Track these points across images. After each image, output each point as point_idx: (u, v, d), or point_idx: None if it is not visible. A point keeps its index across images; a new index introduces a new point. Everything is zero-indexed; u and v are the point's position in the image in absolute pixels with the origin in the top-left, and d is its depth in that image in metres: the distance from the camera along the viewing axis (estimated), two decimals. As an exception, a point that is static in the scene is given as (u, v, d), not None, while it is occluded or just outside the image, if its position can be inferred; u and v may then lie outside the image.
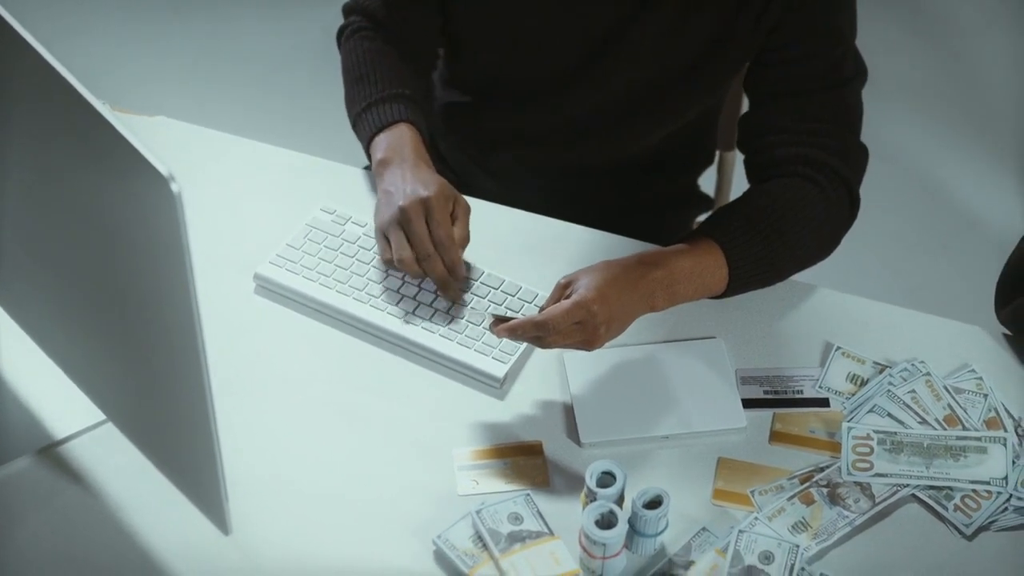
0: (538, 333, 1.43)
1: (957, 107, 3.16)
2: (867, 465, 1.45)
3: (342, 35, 1.79)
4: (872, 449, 1.46)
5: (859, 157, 1.65)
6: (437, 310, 1.57)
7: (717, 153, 2.03)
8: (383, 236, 1.56)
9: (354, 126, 1.70)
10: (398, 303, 1.58)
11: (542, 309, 1.47)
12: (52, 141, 1.13)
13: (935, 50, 3.28)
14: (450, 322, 1.56)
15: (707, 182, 2.03)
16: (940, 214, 2.95)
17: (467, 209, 1.58)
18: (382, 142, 1.63)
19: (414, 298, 1.58)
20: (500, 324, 1.45)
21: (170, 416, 1.24)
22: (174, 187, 1.01)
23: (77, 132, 1.08)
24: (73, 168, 1.12)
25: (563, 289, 1.47)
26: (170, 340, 1.13)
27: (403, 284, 1.59)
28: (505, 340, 1.53)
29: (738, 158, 1.88)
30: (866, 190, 1.67)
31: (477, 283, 1.60)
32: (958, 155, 3.05)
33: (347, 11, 1.80)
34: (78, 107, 1.06)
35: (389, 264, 1.55)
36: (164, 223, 1.03)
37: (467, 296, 1.59)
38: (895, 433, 1.47)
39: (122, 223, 1.09)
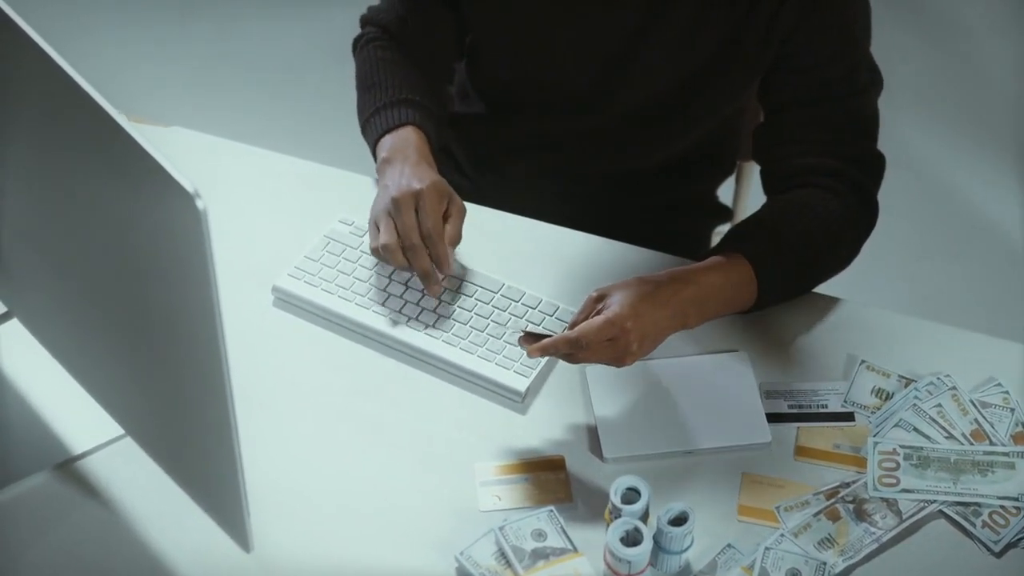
0: (570, 350, 1.42)
1: (967, 112, 3.14)
2: (893, 481, 1.43)
3: (357, 45, 1.79)
4: (898, 464, 1.44)
5: (877, 165, 1.64)
6: (457, 323, 1.56)
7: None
8: (374, 225, 1.57)
9: (363, 131, 1.71)
10: (418, 315, 1.56)
11: (572, 323, 1.46)
12: (75, 156, 1.12)
13: (944, 55, 3.26)
14: (471, 335, 1.55)
15: (725, 192, 2.02)
16: (952, 221, 2.93)
17: (462, 210, 1.58)
18: (387, 143, 1.64)
19: (434, 310, 1.57)
20: (530, 341, 1.44)
21: (192, 431, 1.23)
22: (199, 204, 1.00)
23: (101, 147, 1.07)
24: (96, 183, 1.11)
25: (594, 303, 1.46)
26: (193, 355, 1.12)
27: (423, 296, 1.58)
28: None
29: (757, 168, 1.86)
30: (879, 197, 1.65)
31: (497, 295, 1.58)
32: (969, 161, 3.04)
33: (363, 22, 1.80)
34: (101, 121, 1.04)
35: (375, 253, 1.55)
36: (189, 239, 1.02)
37: (487, 309, 1.57)
38: (921, 448, 1.46)
39: (146, 238, 1.08)
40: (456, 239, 1.56)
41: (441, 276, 1.55)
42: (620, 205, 1.87)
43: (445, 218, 1.56)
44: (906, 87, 3.09)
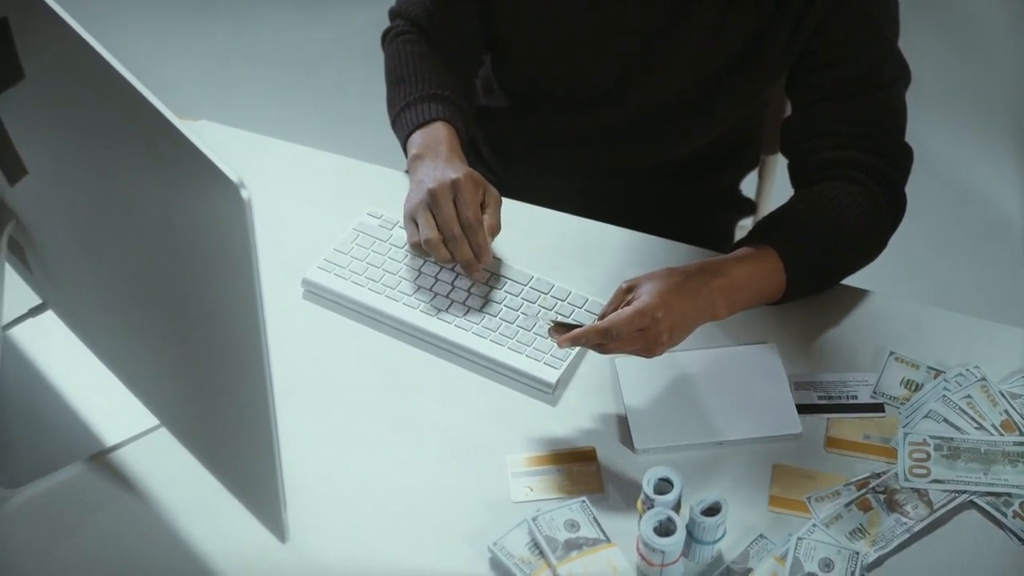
0: (601, 340, 1.42)
1: (986, 110, 3.14)
2: (924, 471, 1.44)
3: (386, 38, 1.80)
4: (929, 455, 1.45)
5: (904, 158, 1.64)
6: (487, 315, 1.56)
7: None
8: (411, 220, 1.57)
9: (393, 126, 1.71)
10: (448, 308, 1.57)
11: (602, 314, 1.46)
12: (117, 146, 1.12)
13: (964, 54, 3.26)
14: (501, 327, 1.55)
15: (748, 185, 2.02)
16: (972, 217, 2.93)
17: (498, 199, 1.58)
18: (417, 139, 1.64)
19: (464, 303, 1.57)
20: (561, 332, 1.44)
21: (230, 422, 1.23)
22: (244, 193, 1.00)
23: (145, 138, 1.07)
24: (139, 173, 1.11)
25: (624, 294, 1.46)
26: (234, 343, 1.12)
27: (452, 289, 1.59)
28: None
29: (780, 161, 1.87)
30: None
31: (527, 288, 1.59)
32: (989, 158, 3.04)
33: (392, 14, 1.81)
34: (145, 113, 1.05)
35: (416, 248, 1.56)
36: (233, 229, 1.02)
37: (517, 301, 1.58)
38: (952, 439, 1.46)
39: (189, 229, 1.09)
40: (496, 228, 1.56)
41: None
42: (643, 199, 1.87)
43: (482, 208, 1.56)
44: (926, 86, 3.09)
